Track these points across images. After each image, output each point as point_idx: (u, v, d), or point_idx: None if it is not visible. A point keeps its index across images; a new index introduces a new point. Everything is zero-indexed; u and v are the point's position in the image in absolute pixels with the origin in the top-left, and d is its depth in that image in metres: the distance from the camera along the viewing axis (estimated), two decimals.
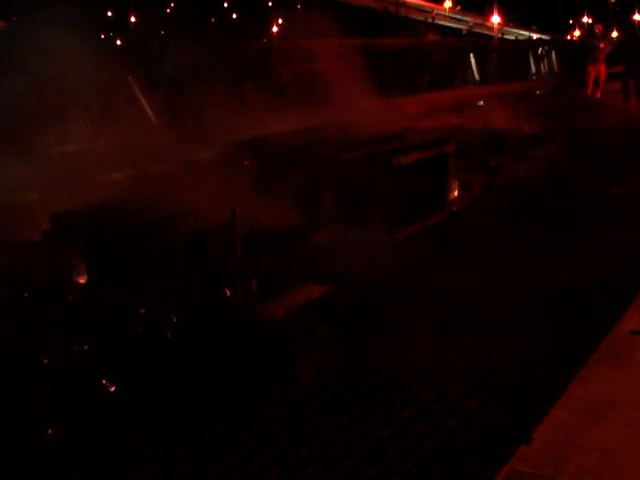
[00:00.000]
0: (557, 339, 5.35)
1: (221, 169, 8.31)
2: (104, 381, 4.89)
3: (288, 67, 18.17)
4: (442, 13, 47.60)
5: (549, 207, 9.44)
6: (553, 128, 13.59)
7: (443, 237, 8.18)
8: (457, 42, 30.58)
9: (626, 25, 20.30)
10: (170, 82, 15.25)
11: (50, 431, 4.32)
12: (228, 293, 6.09)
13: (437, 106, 16.97)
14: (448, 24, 46.64)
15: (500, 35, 41.34)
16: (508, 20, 46.65)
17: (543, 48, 35.99)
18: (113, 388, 4.85)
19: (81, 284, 6.54)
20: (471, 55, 28.70)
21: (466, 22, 48.67)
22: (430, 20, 44.24)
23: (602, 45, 19.96)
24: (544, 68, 34.80)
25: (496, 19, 42.24)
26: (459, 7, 50.38)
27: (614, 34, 35.59)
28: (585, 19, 54.74)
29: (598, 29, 21.06)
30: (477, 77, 28.62)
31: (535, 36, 48.78)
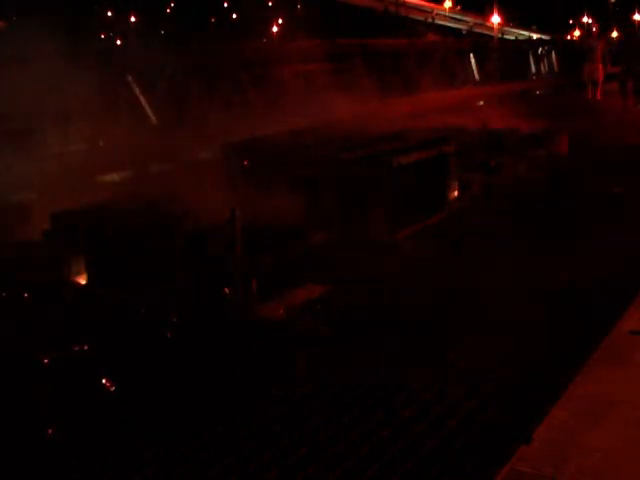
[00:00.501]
0: (557, 339, 5.35)
1: (221, 169, 8.31)
2: (104, 381, 4.88)
3: (288, 67, 18.16)
4: (442, 13, 47.54)
5: (549, 207, 9.44)
6: (553, 128, 13.59)
7: (443, 237, 8.18)
8: (457, 42, 30.54)
9: (625, 25, 20.11)
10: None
11: (50, 431, 4.32)
12: (228, 293, 6.09)
13: (437, 106, 16.95)
14: (448, 24, 46.57)
15: (500, 35, 41.30)
16: (508, 20, 46.60)
17: (543, 48, 35.98)
18: (113, 388, 4.85)
19: (81, 284, 6.54)
20: (471, 55, 28.70)
21: (466, 22, 48.61)
22: (430, 20, 44.21)
23: (599, 45, 19.94)
24: (544, 68, 34.79)
25: (496, 19, 42.19)
26: (459, 7, 50.33)
27: (614, 34, 35.58)
28: (585, 19, 54.76)
29: (594, 29, 21.05)
30: (477, 77, 28.61)
31: (535, 36, 48.75)
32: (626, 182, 10.44)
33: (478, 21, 47.77)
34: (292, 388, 4.72)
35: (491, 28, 42.18)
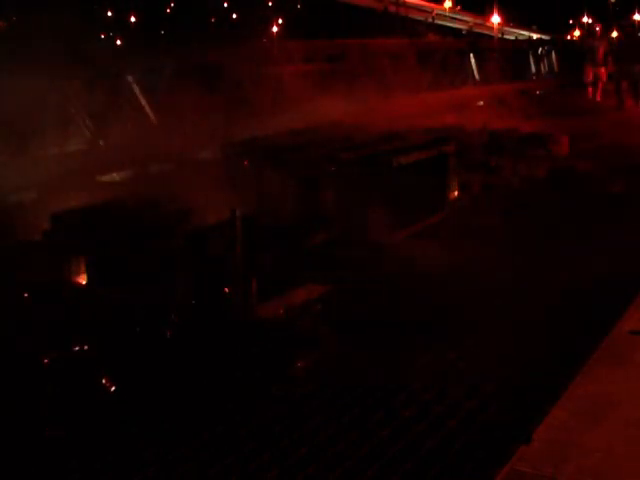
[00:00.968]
0: (557, 339, 5.35)
1: (221, 169, 8.31)
2: (104, 381, 4.88)
3: (288, 67, 18.13)
4: (442, 13, 47.40)
5: (549, 207, 9.45)
6: (553, 128, 13.59)
7: (443, 237, 8.18)
8: (457, 42, 30.47)
9: (624, 25, 19.86)
10: None
11: (50, 431, 4.32)
12: (228, 293, 6.09)
13: (437, 106, 16.93)
14: (448, 24, 46.44)
15: (500, 35, 41.22)
16: (508, 20, 46.50)
17: (543, 48, 35.93)
18: (113, 388, 4.85)
19: (81, 284, 6.54)
20: (471, 55, 28.65)
21: (466, 22, 48.49)
22: (430, 20, 44.10)
23: (601, 46, 19.82)
24: (544, 68, 34.75)
25: (496, 19, 42.10)
26: (459, 7, 50.21)
27: (614, 34, 35.53)
28: (585, 19, 54.64)
29: (598, 29, 20.92)
30: (477, 77, 28.57)
31: (535, 36, 48.65)
32: (626, 182, 10.44)
33: (478, 21, 47.75)
34: (292, 388, 4.73)
35: (491, 28, 42.16)
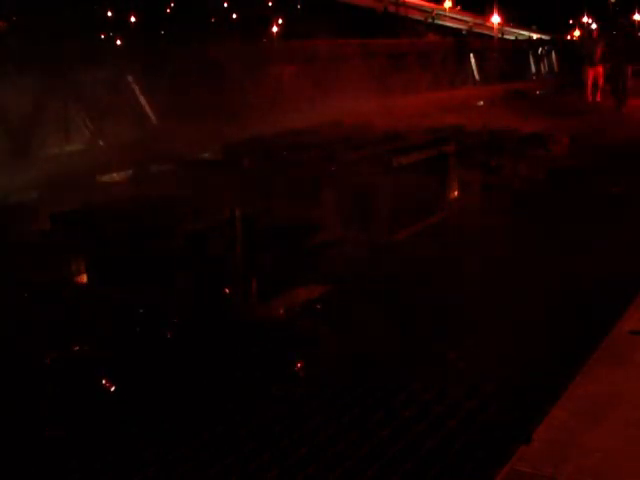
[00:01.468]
0: (557, 339, 5.35)
1: (221, 169, 8.31)
2: (104, 381, 4.89)
3: (287, 66, 18.16)
4: (442, 13, 47.54)
5: (549, 207, 9.45)
6: (553, 128, 13.60)
7: (443, 237, 8.18)
8: (457, 42, 30.54)
9: (616, 23, 19.53)
10: None
11: (50, 431, 4.32)
12: (228, 293, 6.09)
13: (437, 106, 16.95)
14: (448, 24, 46.60)
15: (500, 35, 41.31)
16: (508, 20, 46.62)
17: (543, 48, 35.98)
18: (113, 388, 4.85)
19: (81, 284, 6.55)
20: (471, 55, 28.69)
21: (466, 22, 48.64)
22: (430, 20, 44.21)
23: (599, 46, 19.72)
24: (544, 68, 34.79)
25: (496, 19, 42.20)
26: (459, 7, 50.33)
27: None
28: (585, 19, 54.74)
29: (595, 29, 20.74)
30: (477, 77, 28.61)
31: (535, 36, 48.75)
32: (626, 182, 10.45)
33: (478, 21, 47.79)
34: (292, 388, 4.72)
35: (491, 28, 42.20)
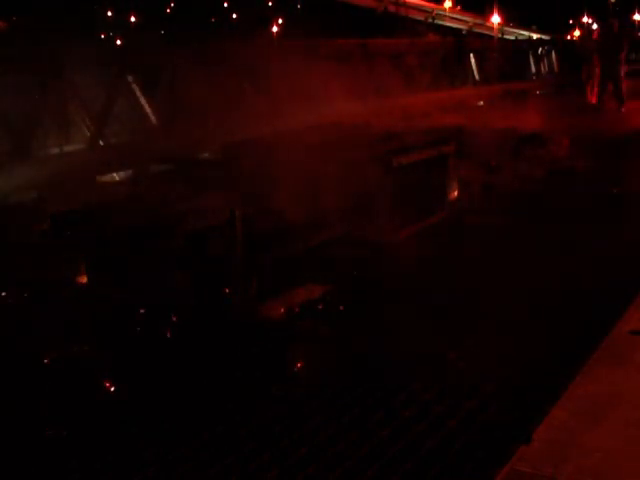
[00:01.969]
0: (557, 339, 5.35)
1: (220, 169, 8.31)
2: (104, 381, 4.89)
3: (287, 66, 18.13)
4: (442, 13, 47.53)
5: (549, 207, 9.45)
6: (553, 128, 13.60)
7: (444, 237, 8.19)
8: (457, 42, 30.51)
9: (608, 23, 19.33)
10: None
11: (50, 431, 4.32)
12: (228, 293, 6.09)
13: (437, 106, 16.95)
14: (448, 24, 46.59)
15: (500, 35, 41.28)
16: (508, 20, 46.60)
17: (543, 48, 35.96)
18: (113, 388, 4.85)
19: (81, 284, 6.55)
20: (471, 55, 28.67)
21: (466, 22, 48.64)
22: (430, 20, 44.22)
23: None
24: (544, 68, 34.77)
25: (496, 19, 42.18)
26: (459, 7, 50.33)
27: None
28: (585, 19, 54.76)
29: (594, 29, 20.44)
30: (477, 77, 28.59)
31: (535, 36, 48.75)
32: (626, 182, 10.45)
33: (478, 21, 47.76)
34: (292, 388, 4.72)
35: (491, 28, 42.18)
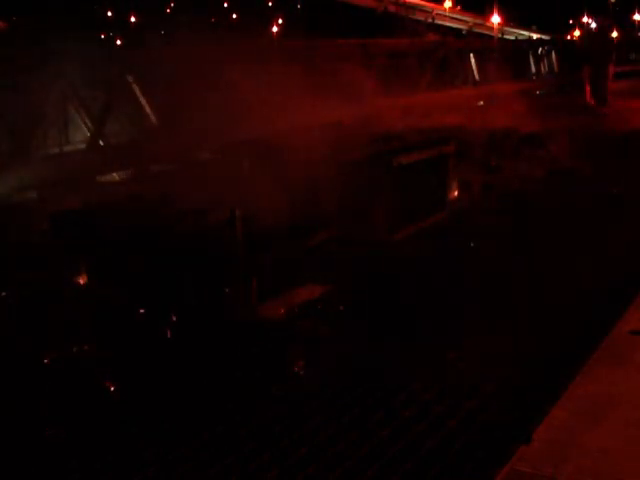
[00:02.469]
0: (557, 339, 5.35)
1: (221, 169, 8.31)
2: (104, 381, 4.89)
3: (288, 66, 18.11)
4: (442, 13, 47.38)
5: (549, 207, 9.45)
6: (553, 128, 13.58)
7: (443, 236, 8.19)
8: (457, 42, 30.46)
9: (602, 24, 18.95)
10: None
11: (50, 431, 4.32)
12: (228, 293, 6.09)
13: (437, 106, 16.93)
14: (448, 24, 46.44)
15: (500, 35, 41.19)
16: (508, 20, 46.47)
17: (543, 48, 35.94)
18: (113, 388, 4.85)
19: (81, 284, 6.54)
20: (471, 55, 28.64)
21: (466, 22, 48.50)
22: (430, 20, 44.09)
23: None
24: (544, 68, 34.76)
25: (496, 19, 42.06)
26: (459, 7, 50.18)
27: (614, 34, 35.53)
28: (585, 19, 54.64)
29: (595, 29, 20.16)
30: (477, 77, 28.57)
31: (535, 36, 48.66)
32: (625, 182, 10.45)
33: (478, 21, 47.71)
34: (292, 388, 4.72)
35: (491, 28, 42.12)
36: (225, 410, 4.53)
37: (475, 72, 28.71)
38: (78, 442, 4.21)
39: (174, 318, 5.74)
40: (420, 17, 44.05)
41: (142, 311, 5.86)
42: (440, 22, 44.83)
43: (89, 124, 14.08)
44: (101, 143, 14.01)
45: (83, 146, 13.92)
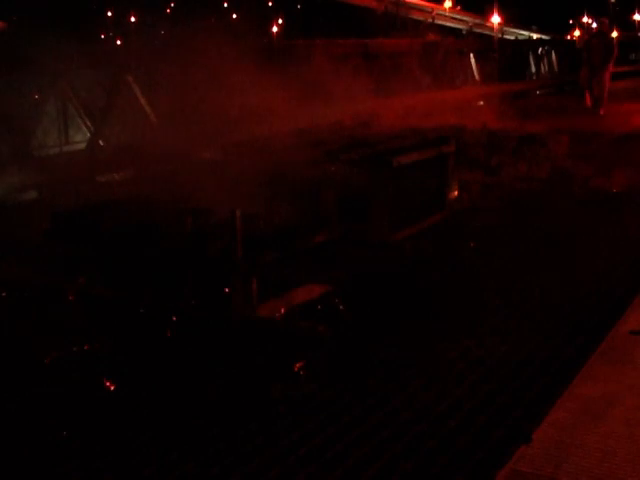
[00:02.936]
0: (557, 339, 5.35)
1: (222, 169, 8.31)
2: (104, 381, 4.89)
3: (288, 66, 18.12)
4: (442, 13, 47.55)
5: (549, 207, 9.45)
6: (553, 128, 13.60)
7: (444, 237, 8.19)
8: (457, 42, 30.55)
9: (600, 22, 18.84)
10: None
11: (50, 431, 4.32)
12: (228, 293, 6.09)
13: (437, 106, 16.96)
14: (448, 24, 46.62)
15: (500, 35, 41.30)
16: (508, 20, 46.61)
17: (543, 48, 36.02)
18: (113, 388, 4.85)
19: (81, 284, 6.55)
20: (471, 55, 28.72)
21: (466, 22, 48.69)
22: (430, 20, 44.24)
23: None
24: (544, 68, 34.83)
25: (496, 19, 42.17)
26: (459, 7, 50.35)
27: (614, 34, 35.59)
28: (585, 19, 54.79)
29: (601, 24, 19.90)
30: (477, 77, 28.63)
31: (535, 36, 48.84)
32: (625, 181, 10.46)
33: (478, 21, 47.79)
34: (292, 388, 4.72)
35: (491, 28, 42.16)
36: (225, 410, 4.53)
37: (475, 72, 28.75)
38: (78, 442, 4.21)
39: (174, 318, 5.75)
40: (420, 17, 44.10)
41: (142, 311, 5.87)
42: (440, 22, 44.87)
43: (89, 124, 14.11)
44: (101, 143, 14.05)
45: (82, 146, 13.96)
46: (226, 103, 13.91)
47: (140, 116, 14.32)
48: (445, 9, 48.64)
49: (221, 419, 4.38)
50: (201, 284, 6.14)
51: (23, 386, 4.88)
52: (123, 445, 4.15)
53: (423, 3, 46.33)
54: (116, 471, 3.93)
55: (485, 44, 32.89)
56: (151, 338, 5.58)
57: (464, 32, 45.75)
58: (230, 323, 5.78)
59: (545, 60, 35.18)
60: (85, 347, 5.33)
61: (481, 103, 21.86)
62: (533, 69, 33.90)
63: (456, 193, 9.60)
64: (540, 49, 35.63)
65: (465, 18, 49.35)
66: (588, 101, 18.88)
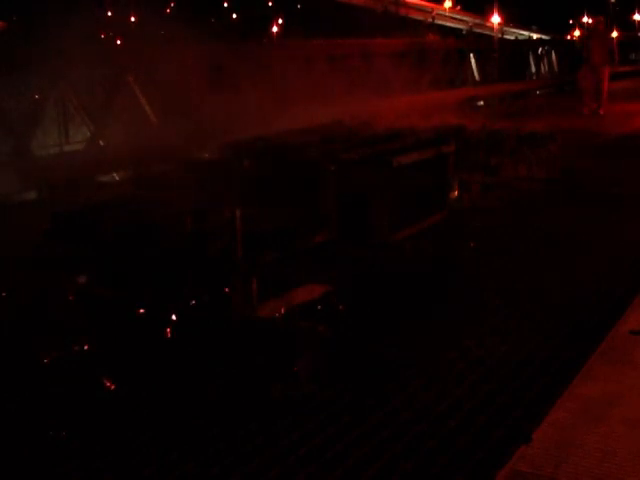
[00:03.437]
0: (557, 339, 5.35)
1: (221, 170, 8.31)
2: (104, 381, 4.89)
3: (288, 66, 18.14)
4: (442, 13, 47.57)
5: (549, 207, 9.45)
6: (553, 128, 13.60)
7: (443, 238, 8.19)
8: (457, 42, 30.55)
9: (597, 21, 18.71)
10: None
11: (50, 431, 4.32)
12: (228, 293, 6.09)
13: (437, 106, 16.96)
14: (448, 24, 46.64)
15: (500, 35, 41.30)
16: (508, 20, 46.62)
17: (543, 48, 36.02)
18: (113, 388, 4.85)
19: (81, 284, 6.55)
20: (471, 55, 28.72)
21: (466, 22, 48.70)
22: (430, 20, 44.25)
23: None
24: (544, 68, 34.83)
25: (496, 19, 42.17)
26: (459, 7, 50.37)
27: (614, 34, 35.58)
28: (585, 19, 54.81)
29: (599, 24, 19.71)
30: (477, 77, 28.63)
31: (535, 36, 48.84)
32: (625, 181, 10.46)
33: (478, 21, 47.83)
34: (292, 388, 4.72)
35: (491, 28, 42.19)
36: (225, 410, 4.53)
37: (475, 72, 28.76)
38: (78, 442, 4.21)
39: (174, 318, 5.75)
40: (420, 17, 44.14)
41: (142, 311, 5.87)
42: (440, 22, 44.90)
43: (88, 123, 14.12)
44: (101, 143, 14.06)
45: (82, 146, 13.96)
46: (226, 103, 13.93)
47: (140, 116, 14.34)
48: (445, 9, 48.65)
49: (221, 419, 4.38)
50: (201, 284, 6.14)
51: (23, 386, 4.88)
52: (123, 445, 4.15)
53: (423, 3, 46.35)
54: (116, 471, 3.93)
55: (485, 44, 32.88)
56: (151, 338, 5.58)
57: (464, 32, 45.73)
58: (230, 323, 5.78)
59: (545, 60, 35.18)
60: (85, 347, 5.33)
61: (481, 103, 21.89)
62: (533, 69, 33.90)
63: (456, 193, 9.60)
64: (540, 49, 35.64)
65: (465, 18, 49.36)
66: (586, 110, 18.61)
